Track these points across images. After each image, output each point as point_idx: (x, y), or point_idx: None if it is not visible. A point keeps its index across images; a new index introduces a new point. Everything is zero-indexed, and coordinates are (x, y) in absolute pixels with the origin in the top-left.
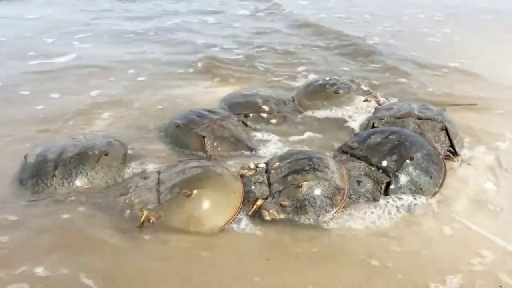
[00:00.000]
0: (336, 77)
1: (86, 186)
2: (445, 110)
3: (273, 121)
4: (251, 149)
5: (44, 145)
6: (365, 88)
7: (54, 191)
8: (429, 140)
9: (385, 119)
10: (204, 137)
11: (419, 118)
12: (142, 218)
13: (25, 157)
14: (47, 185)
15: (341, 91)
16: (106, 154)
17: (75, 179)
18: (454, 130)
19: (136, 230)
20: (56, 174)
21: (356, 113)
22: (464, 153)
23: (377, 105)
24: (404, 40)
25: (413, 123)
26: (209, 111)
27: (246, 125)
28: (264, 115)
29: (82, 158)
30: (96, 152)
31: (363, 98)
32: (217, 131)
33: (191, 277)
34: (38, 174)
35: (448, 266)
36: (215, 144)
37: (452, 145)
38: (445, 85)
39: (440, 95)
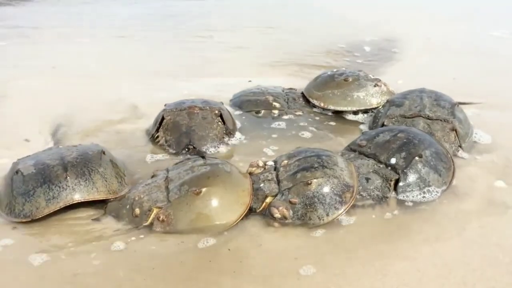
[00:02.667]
0: (343, 68)
1: (101, 182)
2: (458, 105)
3: (284, 117)
4: (181, 149)
5: (32, 157)
6: (373, 77)
7: (72, 191)
8: (438, 139)
9: (395, 118)
10: (163, 118)
11: (429, 119)
12: (151, 216)
13: (16, 172)
14: (63, 187)
15: (350, 79)
16: (104, 153)
17: (90, 177)
18: (465, 130)
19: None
20: (68, 175)
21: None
22: (473, 153)
23: (386, 89)
24: None
25: (423, 123)
26: (204, 101)
27: (224, 122)
28: (276, 111)
29: (86, 158)
30: (95, 151)
31: (373, 83)
32: (179, 116)
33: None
34: (48, 180)
35: None
36: (168, 126)
37: (460, 146)
38: None
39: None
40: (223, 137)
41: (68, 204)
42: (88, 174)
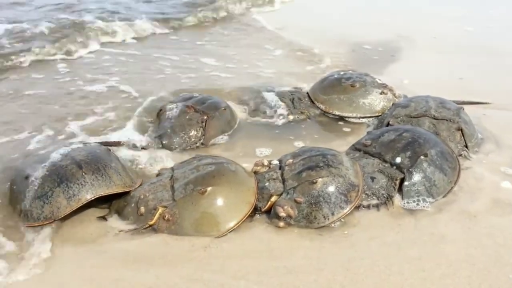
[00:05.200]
0: (350, 71)
1: (116, 176)
2: (463, 109)
3: (290, 117)
4: (159, 143)
5: (37, 158)
6: (380, 82)
7: (91, 187)
8: (443, 139)
9: (401, 117)
10: (160, 110)
11: (435, 118)
12: (156, 215)
13: (26, 178)
14: (82, 184)
15: (357, 84)
16: (109, 149)
17: (105, 172)
18: (470, 131)
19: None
20: (85, 172)
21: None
22: (479, 154)
23: (392, 96)
24: None
25: (428, 122)
26: (211, 100)
27: (205, 130)
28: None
29: (96, 155)
30: (102, 149)
31: (379, 90)
32: (172, 112)
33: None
34: (65, 179)
35: None
36: (161, 118)
37: (466, 146)
38: None
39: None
40: (196, 143)
41: (89, 200)
42: (103, 169)
